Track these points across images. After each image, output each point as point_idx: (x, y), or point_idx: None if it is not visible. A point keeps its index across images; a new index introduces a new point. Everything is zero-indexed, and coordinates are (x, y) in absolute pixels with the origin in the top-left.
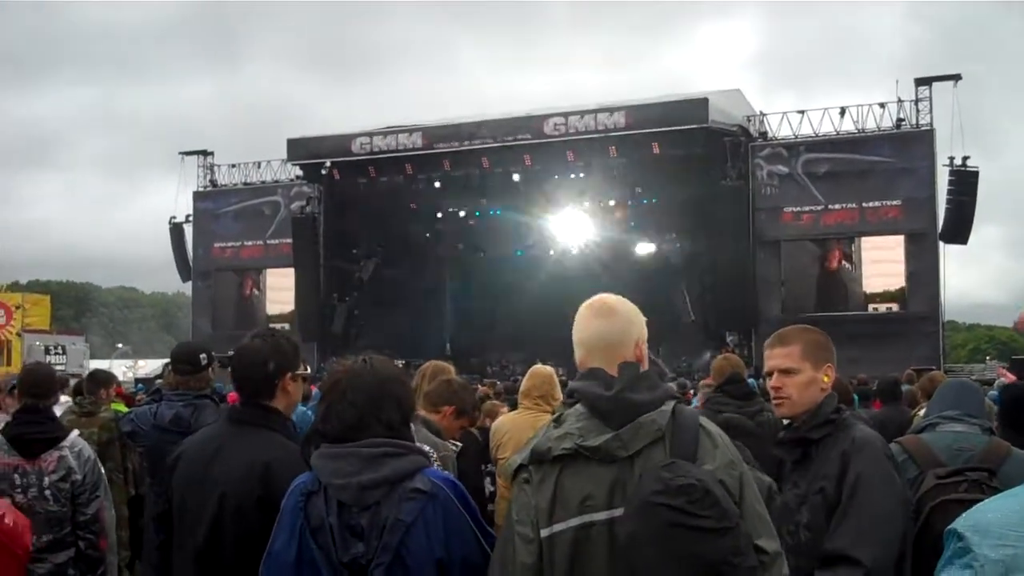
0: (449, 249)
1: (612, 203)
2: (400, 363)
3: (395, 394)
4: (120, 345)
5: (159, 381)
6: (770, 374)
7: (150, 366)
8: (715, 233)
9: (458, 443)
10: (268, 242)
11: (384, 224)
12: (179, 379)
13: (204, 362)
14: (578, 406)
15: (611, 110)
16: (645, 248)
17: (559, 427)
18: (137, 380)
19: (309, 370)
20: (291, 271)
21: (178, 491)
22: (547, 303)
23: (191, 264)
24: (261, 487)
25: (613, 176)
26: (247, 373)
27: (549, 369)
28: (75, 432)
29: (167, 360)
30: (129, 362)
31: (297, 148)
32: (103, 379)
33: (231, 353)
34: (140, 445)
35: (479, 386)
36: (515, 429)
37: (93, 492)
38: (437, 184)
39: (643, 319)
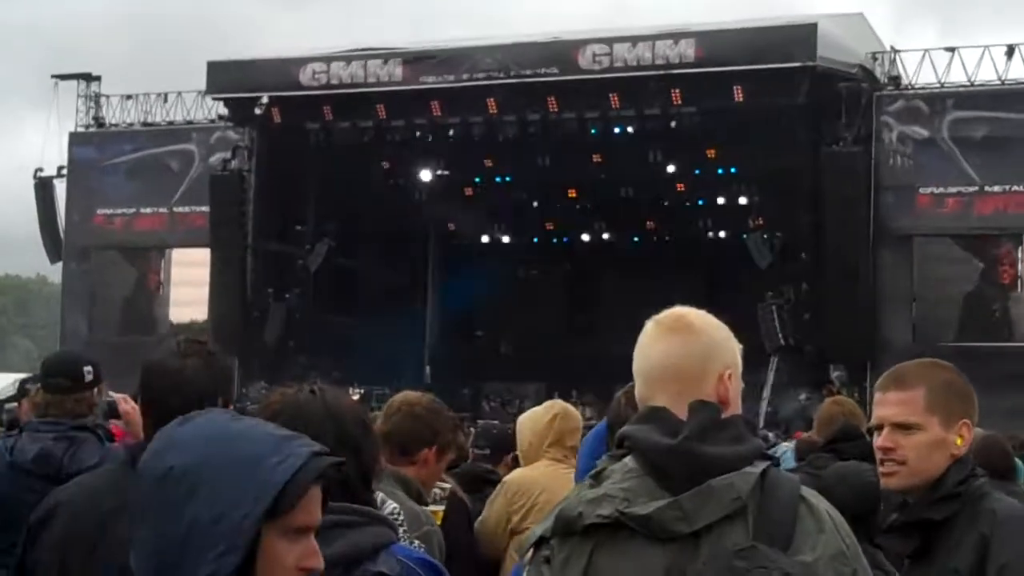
0: (436, 229)
1: (671, 171)
2: (356, 393)
3: (352, 440)
4: None
5: (11, 405)
6: (879, 427)
7: (2, 383)
8: (819, 221)
9: (445, 485)
10: (175, 210)
11: (343, 191)
12: (50, 399)
13: (89, 378)
14: (628, 459)
15: (675, 37)
16: (716, 239)
17: (598, 486)
18: None
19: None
20: (207, 253)
21: (50, 563)
22: (573, 312)
23: (62, 237)
24: None
25: (674, 133)
26: (171, 407)
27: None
28: None
29: (25, 375)
30: None
31: (221, 76)
32: None
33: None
34: None
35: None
36: (551, 486)
37: None
38: (422, 135)
39: (735, 344)
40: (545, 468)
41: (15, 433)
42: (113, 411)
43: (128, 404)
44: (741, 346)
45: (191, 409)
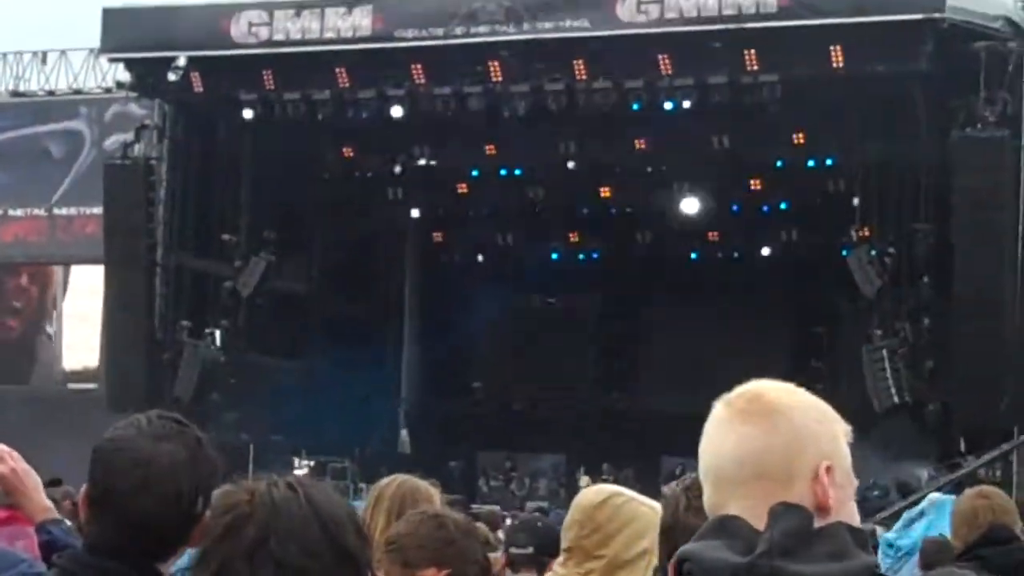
0: (416, 241)
1: (742, 162)
2: (304, 466)
3: (351, 554)
4: None
5: None
6: None
7: None
8: (947, 232)
9: None
10: (56, 213)
11: (288, 187)
12: None
13: None
14: None
15: None
16: (804, 256)
17: None
18: None
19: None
20: (99, 272)
21: None
22: (605, 355)
23: None
24: None
25: (747, 110)
26: (139, 508)
27: (589, 496)
28: None
29: None
30: None
31: (120, 29)
32: None
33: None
34: None
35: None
36: None
37: None
38: (397, 112)
39: (838, 427)
40: None
41: None
42: None
43: (5, 455)
44: (848, 428)
45: (166, 511)
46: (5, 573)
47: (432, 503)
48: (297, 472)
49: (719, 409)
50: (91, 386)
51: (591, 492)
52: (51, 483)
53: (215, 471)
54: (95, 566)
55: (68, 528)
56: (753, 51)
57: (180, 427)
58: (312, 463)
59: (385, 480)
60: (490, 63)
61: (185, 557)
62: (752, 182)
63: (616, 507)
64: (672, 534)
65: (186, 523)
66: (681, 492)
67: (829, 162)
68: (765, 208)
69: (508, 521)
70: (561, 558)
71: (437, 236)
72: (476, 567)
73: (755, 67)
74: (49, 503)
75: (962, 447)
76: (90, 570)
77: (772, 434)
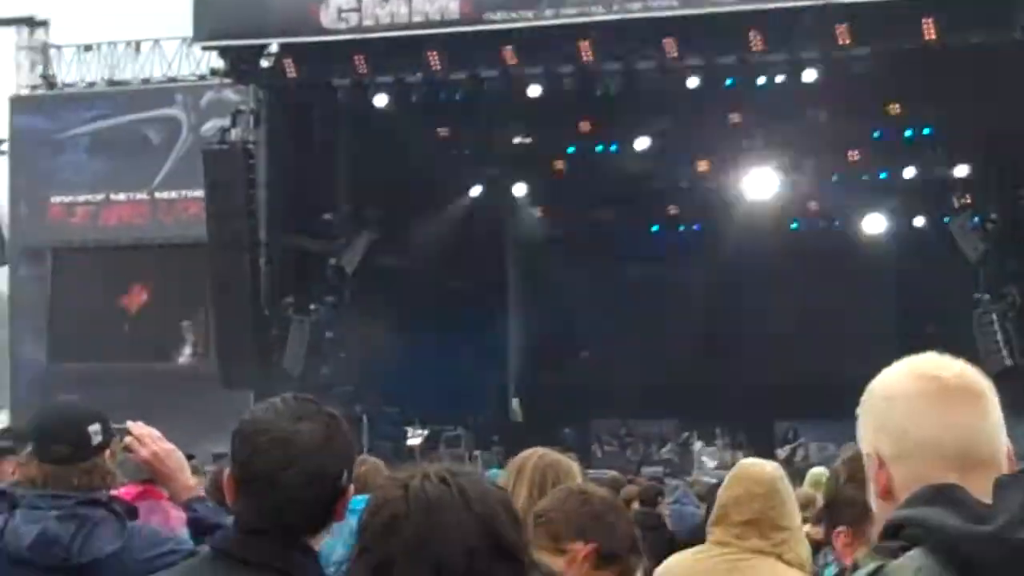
0: (517, 216)
1: (838, 133)
2: (417, 436)
3: (512, 549)
4: None
5: None
6: None
7: None
8: None
9: None
10: (158, 196)
11: (387, 166)
12: (50, 471)
13: (97, 439)
14: (918, 552)
15: None
16: (906, 225)
17: None
18: None
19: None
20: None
21: None
22: (711, 323)
23: (4, 234)
24: None
25: (841, 83)
26: (283, 483)
27: (768, 470)
28: None
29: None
30: None
31: (213, 17)
32: None
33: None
34: None
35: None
36: None
37: None
38: (491, 92)
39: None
40: (703, 555)
41: (1, 512)
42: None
43: (147, 438)
44: None
45: (311, 487)
46: (155, 550)
47: (572, 476)
48: (411, 442)
49: (927, 384)
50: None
51: (764, 466)
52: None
53: (353, 447)
54: (249, 545)
55: (213, 506)
56: (845, 25)
57: (316, 406)
58: (426, 432)
59: (525, 452)
60: (580, 43)
61: (340, 546)
62: (849, 153)
63: (786, 480)
64: (835, 505)
65: (331, 498)
66: (842, 465)
67: (927, 131)
68: (863, 177)
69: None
70: (736, 530)
71: (537, 212)
72: (625, 540)
73: (847, 41)
74: (193, 482)
75: None
76: (245, 549)
77: (984, 416)
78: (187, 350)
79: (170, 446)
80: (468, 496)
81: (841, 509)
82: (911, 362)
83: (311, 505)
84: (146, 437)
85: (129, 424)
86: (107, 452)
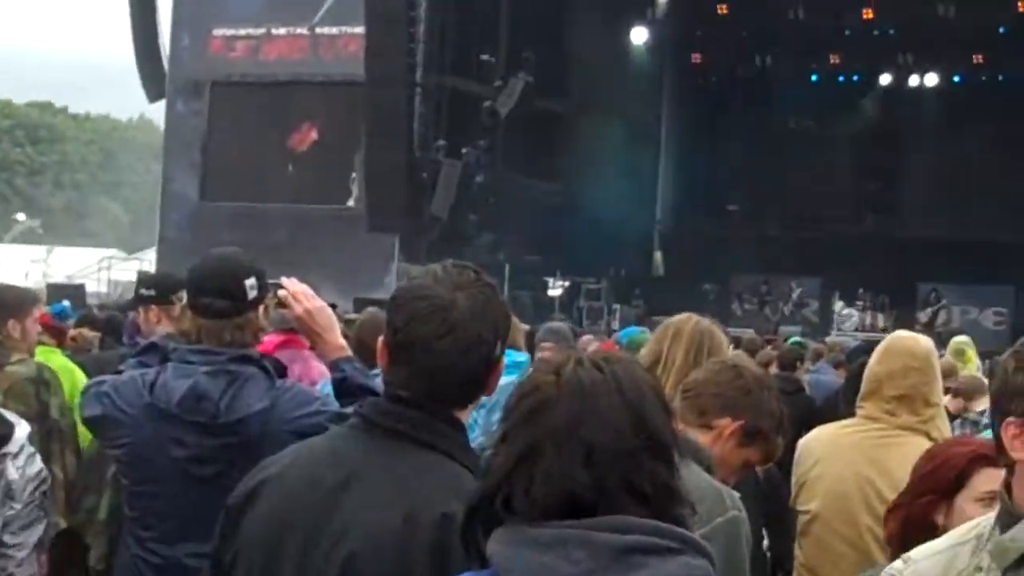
0: (674, 54)
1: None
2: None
3: (662, 442)
4: (21, 216)
5: (131, 314)
6: None
7: (80, 262)
8: None
9: (735, 494)
10: (318, 32)
11: (548, 7)
12: (203, 325)
13: (253, 294)
14: None
15: None
16: None
17: None
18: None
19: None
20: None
21: (255, 557)
22: (864, 178)
23: (166, 67)
24: (432, 556)
25: None
26: (440, 351)
27: (923, 344)
28: (23, 426)
29: (112, 252)
30: (38, 250)
31: None
32: (14, 301)
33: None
34: (116, 444)
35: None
36: (836, 455)
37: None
38: None
39: None
40: (850, 428)
41: (148, 363)
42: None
43: (300, 295)
44: None
45: (467, 356)
46: (302, 410)
47: (723, 348)
48: (552, 292)
49: None
50: (349, 204)
51: (919, 339)
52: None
53: (509, 317)
54: (398, 413)
55: (360, 367)
56: None
57: (475, 275)
58: (567, 283)
59: (682, 316)
60: None
61: (478, 432)
62: (1019, 3)
63: (936, 354)
64: (1004, 395)
65: (486, 369)
66: (1009, 355)
67: None
68: None
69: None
70: (888, 406)
71: (696, 57)
72: (771, 419)
73: None
74: (342, 341)
75: None
76: (392, 417)
77: None
78: (353, 192)
79: (321, 303)
80: (622, 384)
81: (1011, 399)
82: None
83: (464, 375)
84: (300, 294)
85: (283, 279)
86: (261, 307)
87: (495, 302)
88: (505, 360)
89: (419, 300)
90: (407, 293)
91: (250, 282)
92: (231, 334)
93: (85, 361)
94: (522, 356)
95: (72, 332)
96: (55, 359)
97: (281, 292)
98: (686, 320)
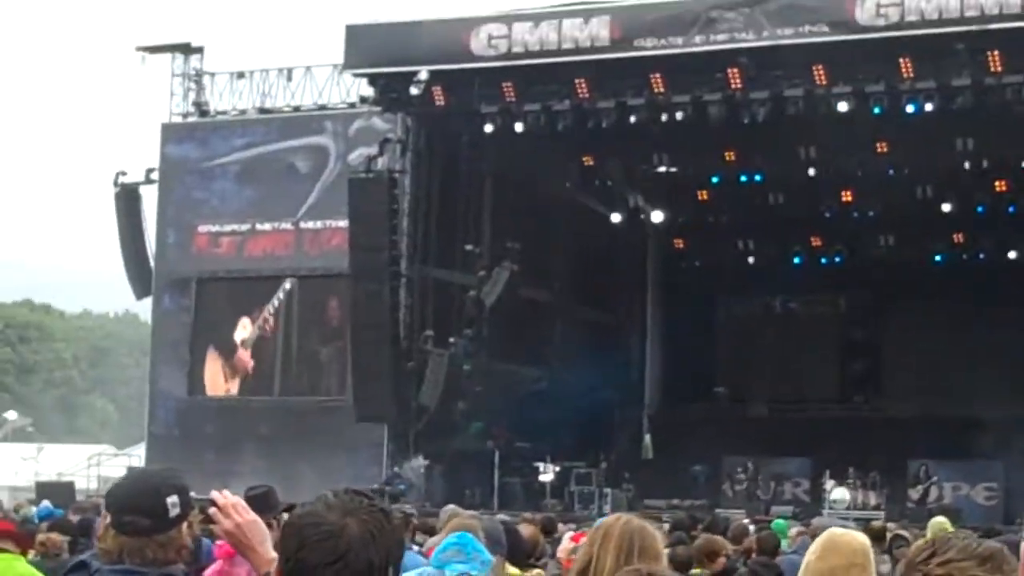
0: (656, 248)
1: (987, 164)
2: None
3: None
4: (11, 415)
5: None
6: None
7: (70, 459)
8: None
9: None
10: (303, 227)
11: (530, 197)
12: (125, 543)
13: (175, 511)
14: None
15: None
16: None
17: None
18: (44, 490)
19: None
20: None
21: None
22: (848, 358)
23: (152, 264)
24: None
25: (991, 111)
26: None
27: (861, 540)
28: None
29: (102, 448)
30: (29, 448)
31: (363, 45)
32: None
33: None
34: None
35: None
36: None
37: None
38: (637, 120)
39: None
40: None
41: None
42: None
43: (231, 509)
44: None
45: None
46: None
47: (656, 545)
48: (543, 478)
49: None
50: (340, 398)
51: (857, 536)
52: (288, 509)
53: (402, 544)
54: None
55: None
56: (997, 52)
57: (367, 501)
58: (557, 469)
59: (611, 517)
60: (729, 70)
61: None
62: (997, 183)
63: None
64: None
65: None
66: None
67: None
68: (1011, 209)
69: (752, 528)
70: None
71: (678, 243)
72: None
73: (999, 68)
74: (274, 555)
75: None
76: None
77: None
78: (329, 384)
79: (252, 517)
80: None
81: None
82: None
83: None
84: (229, 507)
85: (214, 494)
86: (184, 525)
87: (388, 528)
88: None
89: (310, 527)
90: (298, 520)
91: (172, 499)
92: (153, 552)
93: (55, 567)
94: None
95: (41, 537)
96: (18, 566)
97: (211, 509)
98: (615, 521)
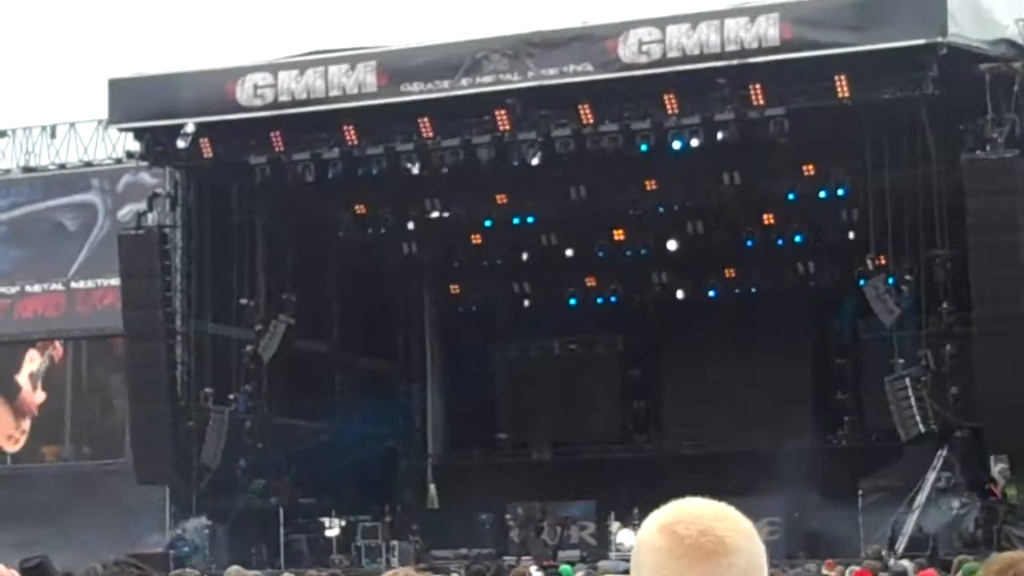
0: (433, 294)
1: (754, 197)
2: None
3: None
4: None
5: None
6: None
7: None
8: (964, 256)
9: None
10: (73, 286)
11: (303, 248)
12: None
13: None
14: None
15: (752, 13)
16: (821, 288)
17: None
18: None
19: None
20: (119, 344)
21: None
22: (629, 399)
23: None
24: None
25: (755, 144)
26: None
27: None
28: None
29: None
30: None
31: (127, 98)
32: None
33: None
34: None
35: None
36: None
37: None
38: (407, 166)
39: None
40: None
41: None
42: None
43: None
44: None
45: None
46: None
47: None
48: (329, 534)
49: (663, 540)
50: (121, 460)
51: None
52: None
53: None
54: None
55: None
56: (758, 85)
57: (138, 571)
58: (343, 523)
59: (388, 574)
60: (497, 112)
61: None
62: (765, 217)
63: None
64: None
65: None
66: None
67: (841, 192)
68: (780, 241)
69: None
70: None
71: (454, 288)
72: None
73: (761, 101)
74: None
75: (992, 471)
76: None
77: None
78: (110, 444)
79: None
80: None
81: None
82: (660, 514)
83: None
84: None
85: None
86: None
87: None
88: None
89: None
90: None
91: None
92: None
93: None
94: None
95: None
96: None
97: None
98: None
